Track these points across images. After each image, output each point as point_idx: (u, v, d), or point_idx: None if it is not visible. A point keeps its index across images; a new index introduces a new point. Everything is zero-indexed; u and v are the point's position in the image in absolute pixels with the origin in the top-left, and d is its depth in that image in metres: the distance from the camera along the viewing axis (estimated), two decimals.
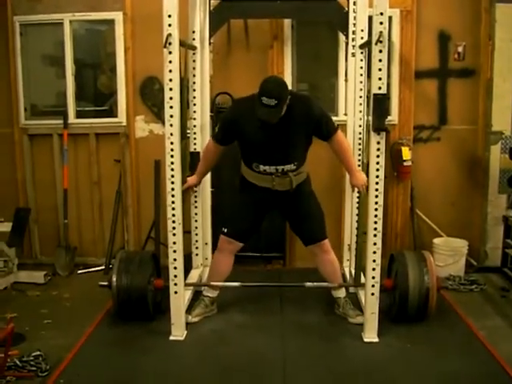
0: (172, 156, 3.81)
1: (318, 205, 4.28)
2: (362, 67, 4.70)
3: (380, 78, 3.66)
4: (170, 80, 3.72)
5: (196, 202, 4.94)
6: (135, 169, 5.77)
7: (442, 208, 5.73)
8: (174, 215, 3.89)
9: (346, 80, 5.14)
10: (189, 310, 4.34)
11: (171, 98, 3.75)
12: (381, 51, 3.62)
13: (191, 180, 4.31)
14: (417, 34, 5.40)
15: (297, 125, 3.90)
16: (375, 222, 3.83)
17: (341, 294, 4.45)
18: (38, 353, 3.71)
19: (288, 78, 5.45)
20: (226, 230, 4.31)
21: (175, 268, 3.97)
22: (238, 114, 4.03)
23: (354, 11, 4.76)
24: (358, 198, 4.72)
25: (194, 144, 4.85)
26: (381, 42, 3.59)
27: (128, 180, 5.79)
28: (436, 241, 5.52)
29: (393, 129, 5.49)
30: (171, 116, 3.77)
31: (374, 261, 3.89)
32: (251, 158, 4.06)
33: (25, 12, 5.58)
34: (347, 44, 4.95)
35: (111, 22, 5.58)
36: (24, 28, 5.66)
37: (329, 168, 5.58)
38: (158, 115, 5.64)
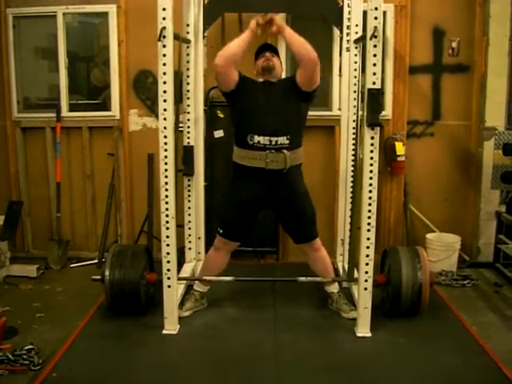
0: (166, 150, 3.80)
1: (310, 205, 4.27)
2: (356, 62, 4.69)
3: (374, 73, 3.66)
4: (164, 73, 3.71)
5: (189, 196, 4.93)
6: (128, 162, 5.75)
7: (435, 203, 5.74)
8: (167, 209, 3.88)
9: (340, 75, 5.13)
10: (181, 305, 4.34)
11: (165, 92, 3.74)
12: (375, 46, 3.62)
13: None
14: (411, 29, 5.40)
15: (284, 90, 4.06)
16: (369, 217, 3.83)
17: (334, 289, 4.47)
18: (31, 346, 3.70)
19: (282, 73, 5.43)
20: (221, 231, 4.30)
21: (168, 262, 3.97)
22: (243, 76, 4.15)
23: (348, 6, 4.75)
24: (352, 192, 4.72)
25: (188, 138, 4.83)
26: (375, 36, 3.59)
27: (121, 173, 5.77)
28: (429, 236, 5.53)
29: (386, 124, 5.50)
30: (165, 110, 3.76)
31: (368, 256, 3.89)
32: (245, 129, 4.03)
33: (18, 4, 5.55)
34: (341, 39, 4.93)
35: (105, 15, 5.55)
36: (17, 20, 5.63)
37: (322, 163, 5.59)
38: (152, 109, 5.62)
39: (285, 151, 3.98)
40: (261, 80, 4.15)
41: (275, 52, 4.21)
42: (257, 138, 3.99)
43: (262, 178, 4.04)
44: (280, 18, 3.91)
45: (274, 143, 3.98)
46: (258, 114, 4.02)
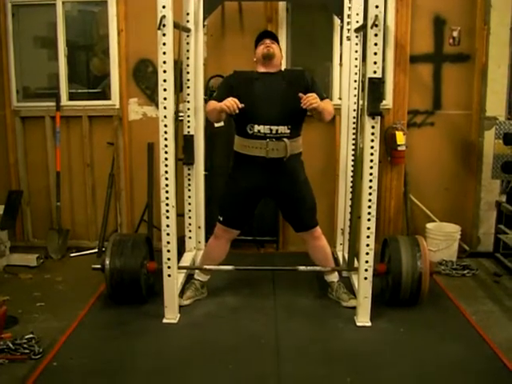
0: (166, 139, 3.79)
1: (311, 193, 4.27)
2: (356, 51, 4.68)
3: (375, 62, 3.65)
4: (164, 62, 3.69)
5: (189, 185, 4.93)
6: (128, 151, 5.74)
7: (435, 193, 5.73)
8: (167, 198, 3.88)
9: (341, 64, 5.11)
10: (181, 294, 4.34)
11: (165, 81, 3.72)
12: (376, 35, 3.61)
13: (229, 100, 3.84)
14: (412, 18, 5.37)
15: (291, 83, 4.03)
16: (369, 207, 3.83)
17: (334, 278, 4.47)
18: (31, 336, 3.71)
19: (282, 62, 5.42)
20: (221, 219, 4.30)
21: (168, 251, 3.97)
22: (235, 74, 4.20)
23: None
24: (352, 182, 4.72)
25: (188, 127, 4.82)
26: (376, 25, 3.58)
27: (121, 163, 5.77)
28: (429, 226, 5.53)
29: (387, 113, 5.48)
30: (165, 98, 3.75)
31: (368, 245, 3.89)
32: (246, 118, 4.01)
33: None
34: (342, 28, 4.92)
35: (104, 4, 5.52)
36: (16, 9, 5.61)
37: (323, 152, 5.58)
38: (152, 98, 5.61)
39: (285, 139, 3.99)
40: (260, 70, 4.13)
41: (275, 39, 4.19)
42: (257, 128, 3.99)
43: (262, 167, 4.05)
44: (316, 99, 3.78)
45: (274, 132, 3.98)
46: (257, 104, 4.00)
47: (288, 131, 4.00)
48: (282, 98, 4.01)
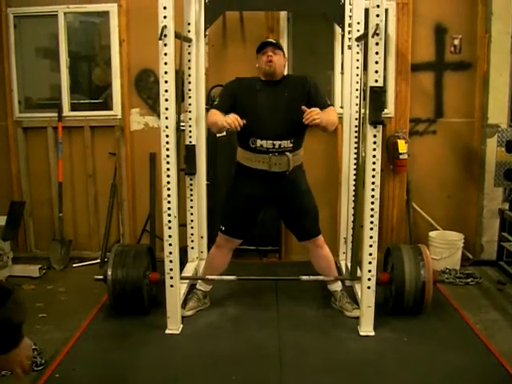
0: (167, 149, 3.79)
1: (313, 201, 4.26)
2: (358, 60, 4.67)
3: (376, 71, 3.65)
4: (166, 72, 3.70)
5: (191, 195, 4.93)
6: (130, 162, 5.75)
7: (437, 201, 5.72)
8: (169, 208, 3.88)
9: (342, 73, 5.11)
10: (184, 304, 4.33)
11: (166, 91, 3.73)
12: (377, 44, 3.61)
13: (231, 116, 3.77)
14: (413, 26, 5.38)
15: (293, 93, 3.99)
16: (372, 216, 3.82)
17: (337, 287, 4.45)
18: (34, 347, 3.68)
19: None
20: (223, 228, 4.29)
21: (171, 261, 3.96)
22: (237, 82, 4.16)
23: (350, 3, 4.75)
24: (354, 191, 4.71)
25: (190, 137, 4.82)
26: (377, 34, 3.58)
27: (123, 173, 5.77)
28: (432, 234, 5.52)
29: (389, 122, 5.48)
30: (166, 109, 3.75)
31: (371, 254, 3.88)
32: (249, 132, 3.98)
33: (19, 4, 5.55)
34: (343, 36, 4.92)
35: (106, 14, 5.55)
36: (18, 20, 5.63)
37: (325, 161, 5.57)
38: (154, 108, 5.61)
39: (288, 153, 3.99)
40: (263, 78, 4.10)
41: (278, 46, 4.08)
42: (259, 142, 3.99)
43: (264, 178, 4.05)
44: (319, 114, 3.72)
45: (277, 146, 3.98)
46: (260, 118, 3.97)
47: (291, 145, 4.00)
48: (285, 112, 3.98)
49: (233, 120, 3.69)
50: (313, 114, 3.69)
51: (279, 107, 3.99)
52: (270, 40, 4.13)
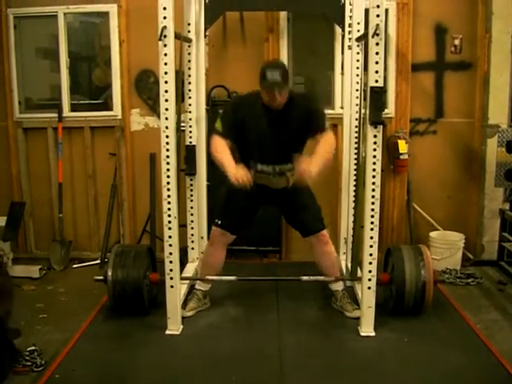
0: (167, 150, 3.79)
1: (313, 198, 4.26)
2: (358, 60, 4.66)
3: (377, 71, 3.64)
4: (166, 73, 3.70)
5: (192, 195, 4.92)
6: (130, 162, 5.74)
7: (438, 201, 5.72)
8: (169, 209, 3.87)
9: (343, 73, 5.11)
10: (184, 305, 4.32)
11: (166, 91, 3.72)
12: (377, 44, 3.60)
13: (241, 170, 3.77)
14: (413, 26, 5.38)
15: (296, 118, 3.89)
16: (372, 216, 3.82)
17: (338, 287, 4.45)
18: (33, 348, 3.70)
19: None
20: (219, 222, 4.28)
21: (171, 262, 3.96)
22: (238, 105, 4.08)
23: (350, 3, 4.74)
24: (355, 191, 4.70)
25: (190, 137, 4.82)
26: (377, 34, 3.57)
27: (123, 173, 5.77)
28: (432, 234, 5.52)
29: (389, 122, 5.48)
30: (166, 109, 3.75)
31: (371, 254, 3.87)
32: (248, 156, 4.03)
33: (18, 4, 5.55)
34: (343, 37, 4.93)
35: (106, 15, 5.54)
36: (18, 20, 5.62)
37: None
38: (154, 108, 5.61)
39: (288, 174, 4.04)
40: (266, 104, 3.90)
41: (284, 82, 3.77)
42: (260, 167, 4.02)
43: (265, 190, 4.10)
44: (313, 168, 3.68)
45: (277, 170, 4.02)
46: (261, 144, 3.98)
47: (291, 166, 4.02)
48: (287, 138, 3.97)
49: (242, 179, 3.67)
50: (307, 174, 3.67)
51: (281, 133, 3.95)
52: (275, 80, 3.73)
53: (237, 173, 3.69)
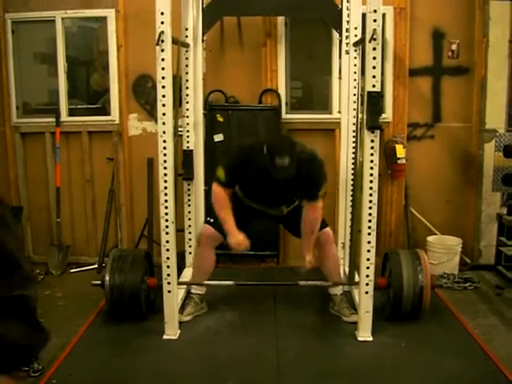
0: (165, 154, 3.80)
1: None
2: (355, 65, 4.68)
3: (374, 76, 3.65)
4: (163, 78, 3.70)
5: (189, 200, 4.93)
6: (128, 167, 5.74)
7: (436, 206, 5.72)
8: (166, 214, 3.87)
9: (340, 78, 5.13)
10: (182, 309, 4.32)
11: (164, 96, 3.73)
12: (374, 49, 3.61)
13: (241, 239, 3.99)
14: (410, 31, 5.39)
15: (296, 181, 3.85)
16: (369, 221, 3.82)
17: (337, 290, 4.46)
18: None
19: (281, 76, 5.45)
20: (211, 220, 4.26)
21: (168, 267, 3.96)
22: (242, 159, 4.02)
23: (347, 8, 4.75)
24: (352, 196, 4.71)
25: (187, 142, 4.83)
26: (374, 39, 3.58)
27: (121, 178, 5.77)
28: (430, 239, 5.51)
29: (387, 127, 5.48)
30: (164, 114, 3.75)
31: (368, 259, 3.88)
32: (247, 197, 4.17)
33: (16, 9, 5.55)
34: (341, 41, 4.93)
35: (103, 20, 5.54)
36: (16, 25, 5.62)
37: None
38: (151, 113, 5.61)
39: (283, 207, 4.23)
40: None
41: (293, 165, 3.73)
42: (259, 207, 4.20)
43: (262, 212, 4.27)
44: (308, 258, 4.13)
45: (274, 209, 4.23)
46: (258, 193, 4.13)
47: (286, 205, 4.24)
48: (285, 194, 4.15)
49: (240, 246, 3.98)
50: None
51: (279, 190, 4.04)
52: (285, 174, 3.73)
53: (236, 239, 3.95)
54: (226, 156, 4.34)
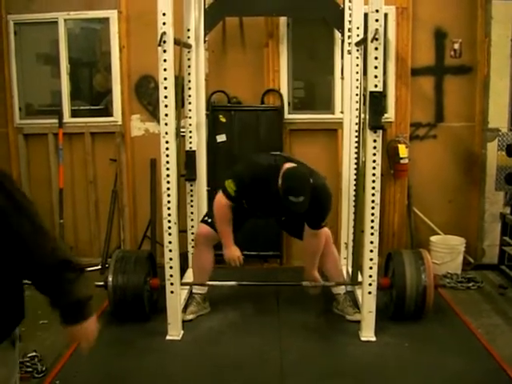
0: (167, 155, 3.80)
1: None
2: (357, 65, 4.67)
3: (376, 76, 3.65)
4: (165, 79, 3.70)
5: (192, 201, 4.92)
6: (131, 168, 5.75)
7: (438, 206, 5.72)
8: (169, 214, 3.88)
9: (342, 78, 5.12)
10: (184, 310, 4.32)
11: (166, 97, 3.73)
12: (377, 49, 3.61)
13: (236, 255, 4.14)
14: (413, 31, 5.38)
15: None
16: (372, 221, 3.82)
17: (340, 290, 4.46)
18: (34, 354, 3.70)
19: (284, 77, 5.46)
20: (209, 220, 4.27)
21: (171, 267, 3.96)
22: (254, 180, 3.95)
23: (349, 8, 4.75)
24: (355, 196, 4.70)
25: (190, 143, 4.83)
26: (376, 39, 3.58)
27: (124, 179, 5.77)
28: (433, 238, 5.51)
29: (389, 126, 5.48)
30: (166, 115, 3.75)
31: (371, 259, 3.87)
32: (251, 208, 4.21)
33: (19, 11, 5.56)
34: (343, 41, 4.93)
35: (106, 21, 5.55)
36: (18, 27, 5.63)
37: (325, 166, 5.54)
38: (154, 114, 5.61)
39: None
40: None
41: (306, 194, 3.69)
42: (261, 215, 4.32)
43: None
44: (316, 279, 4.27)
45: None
46: (265, 210, 4.20)
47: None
48: (289, 217, 4.26)
49: (235, 261, 4.14)
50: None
51: (284, 213, 4.18)
52: (299, 209, 3.71)
53: (232, 254, 4.10)
54: (238, 168, 4.12)
